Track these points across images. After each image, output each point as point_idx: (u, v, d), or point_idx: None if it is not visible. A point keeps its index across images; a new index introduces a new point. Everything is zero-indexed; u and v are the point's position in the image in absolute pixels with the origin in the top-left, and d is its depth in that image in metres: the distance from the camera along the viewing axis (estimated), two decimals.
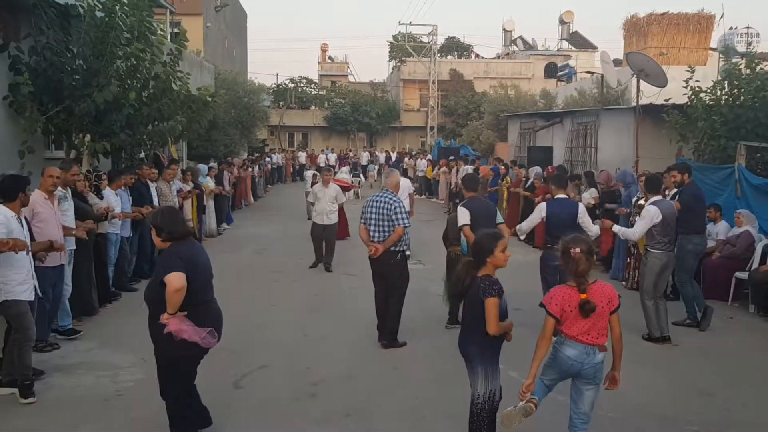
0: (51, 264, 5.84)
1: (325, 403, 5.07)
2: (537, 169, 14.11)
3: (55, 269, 6.05)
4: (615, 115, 13.96)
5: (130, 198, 8.85)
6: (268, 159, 26.85)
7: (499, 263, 3.93)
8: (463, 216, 6.59)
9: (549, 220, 6.76)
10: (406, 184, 14.61)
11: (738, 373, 6.06)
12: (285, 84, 42.03)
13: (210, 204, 13.31)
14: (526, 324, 5.50)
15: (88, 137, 9.55)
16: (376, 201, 6.56)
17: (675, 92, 11.50)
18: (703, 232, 7.74)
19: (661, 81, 12.16)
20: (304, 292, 8.89)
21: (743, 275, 8.41)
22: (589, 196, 11.20)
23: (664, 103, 11.33)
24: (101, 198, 7.99)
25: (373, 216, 6.48)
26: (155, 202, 9.59)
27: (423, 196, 22.72)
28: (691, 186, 7.62)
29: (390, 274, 6.51)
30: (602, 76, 14.49)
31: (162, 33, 10.94)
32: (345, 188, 14.16)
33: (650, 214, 6.60)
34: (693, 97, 10.71)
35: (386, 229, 6.42)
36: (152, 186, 9.72)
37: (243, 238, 13.97)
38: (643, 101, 12.57)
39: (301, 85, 42.35)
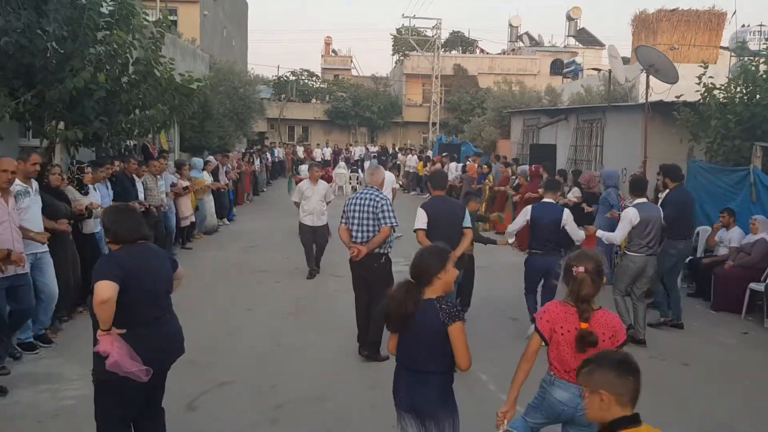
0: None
1: (285, 431, 4.49)
2: (524, 167, 13.69)
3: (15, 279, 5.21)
4: (622, 112, 13.33)
5: (111, 192, 8.16)
6: (270, 153, 26.27)
7: (450, 281, 3.21)
8: (419, 218, 6.05)
9: (532, 223, 6.68)
10: (390, 179, 13.98)
11: (760, 399, 5.46)
12: (286, 77, 41.42)
13: (209, 200, 12.61)
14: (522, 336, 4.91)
15: (61, 125, 8.98)
16: (360, 198, 6.00)
17: (685, 90, 10.90)
18: (690, 238, 7.78)
19: (671, 77, 11.52)
20: (286, 295, 8.33)
21: (758, 286, 7.79)
22: (572, 195, 10.82)
23: (675, 100, 10.70)
24: (85, 193, 7.39)
25: (357, 215, 5.93)
26: (141, 197, 9.03)
27: (414, 193, 22.27)
28: (678, 190, 7.46)
29: (373, 280, 5.93)
30: (609, 71, 13.85)
31: (146, 15, 10.30)
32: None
33: (628, 216, 6.54)
34: (706, 94, 10.09)
35: (371, 229, 5.88)
36: (138, 181, 9.13)
37: (234, 234, 13.43)
38: (653, 98, 11.94)
39: (303, 77, 41.74)
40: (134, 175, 9.18)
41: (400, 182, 18.27)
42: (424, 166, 23.40)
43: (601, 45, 41.30)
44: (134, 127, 9.79)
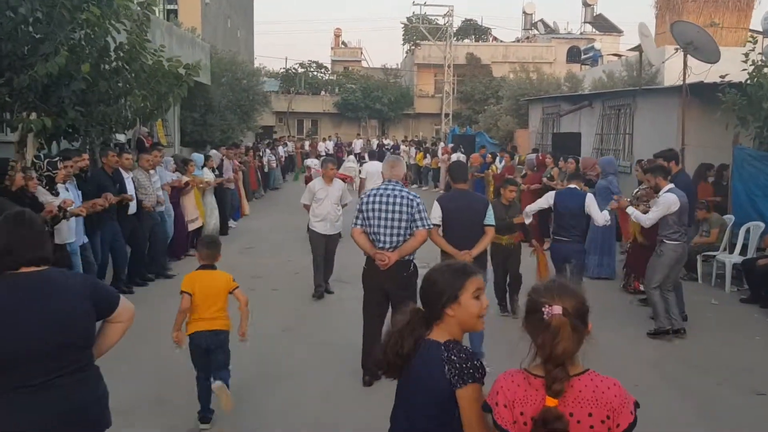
0: None
1: None
2: (531, 156, 12.90)
3: None
4: (655, 96, 12.16)
5: (79, 193, 7.08)
6: (283, 147, 25.23)
7: (470, 318, 2.21)
8: (434, 213, 5.47)
9: (555, 209, 6.66)
10: (379, 169, 13.11)
11: None
12: (294, 69, 40.42)
13: (210, 200, 11.39)
14: None
15: (33, 116, 8.04)
16: (386, 196, 4.98)
17: (719, 75, 9.86)
18: (691, 225, 7.57)
19: (712, 55, 10.39)
20: (282, 306, 7.32)
21: None
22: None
23: (721, 80, 9.54)
24: (56, 194, 6.40)
25: (383, 215, 4.94)
26: (131, 194, 8.08)
27: (414, 186, 21.50)
28: (683, 174, 7.25)
29: (396, 292, 4.92)
30: (640, 52, 12.69)
31: None
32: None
33: (668, 201, 6.19)
34: (755, 73, 8.96)
35: (401, 232, 4.93)
36: (127, 176, 8.12)
37: (233, 233, 12.46)
38: (688, 80, 10.79)
39: (311, 69, 40.72)
40: (122, 170, 8.17)
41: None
42: (423, 157, 22.49)
43: (618, 31, 40.04)
44: (114, 117, 8.81)
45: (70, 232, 6.53)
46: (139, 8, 9.34)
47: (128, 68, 8.91)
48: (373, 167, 12.81)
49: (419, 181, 22.53)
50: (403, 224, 4.94)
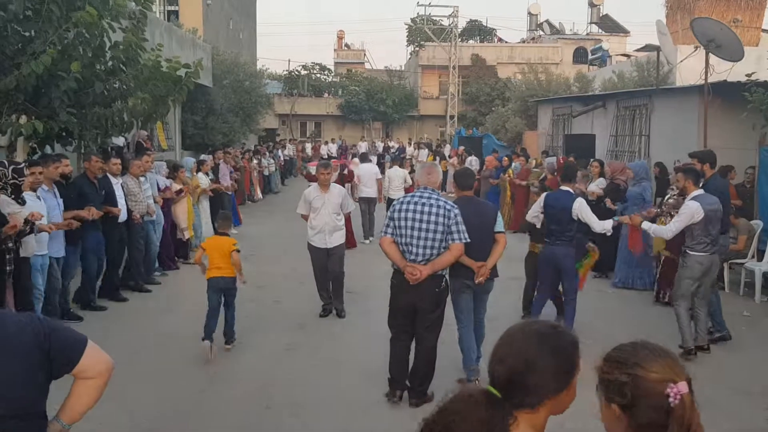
0: None
1: None
2: (550, 159, 12.24)
3: None
4: (673, 96, 11.69)
5: (60, 201, 6.52)
6: (284, 151, 24.79)
7: (566, 405, 1.61)
8: None
9: (545, 212, 6.23)
10: (372, 170, 12.41)
11: None
12: (297, 71, 40.01)
13: (204, 206, 10.96)
14: None
15: (24, 119, 7.62)
16: (420, 205, 4.58)
17: (738, 74, 9.42)
18: (727, 232, 7.25)
19: (736, 54, 9.89)
20: (286, 320, 6.86)
21: None
22: (596, 186, 9.50)
23: (747, 79, 9.07)
24: (22, 203, 5.88)
25: (416, 224, 4.55)
26: (120, 202, 7.61)
27: None
28: (717, 179, 6.71)
29: (425, 309, 4.62)
30: (658, 50, 12.22)
31: None
32: (349, 178, 12.10)
33: (690, 210, 5.74)
34: None
35: (435, 245, 4.54)
36: (116, 182, 7.67)
37: (248, 239, 12.01)
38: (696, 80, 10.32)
39: (314, 71, 40.30)
40: (111, 176, 7.74)
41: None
42: (434, 159, 22.08)
43: (625, 32, 39.56)
44: (110, 120, 8.37)
45: (41, 245, 5.96)
46: (135, 5, 8.95)
47: (125, 69, 8.52)
48: (365, 170, 12.42)
49: None
50: (438, 236, 4.54)
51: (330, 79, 41.39)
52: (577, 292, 6.31)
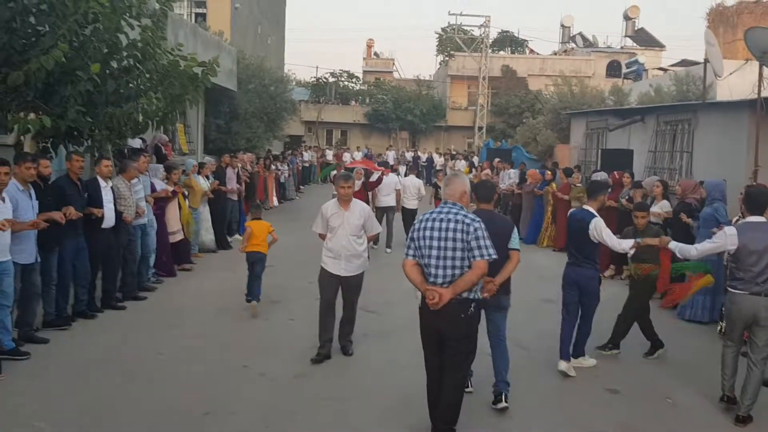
0: None
1: None
2: (602, 174, 11.47)
3: None
4: (720, 111, 10.95)
5: (35, 203, 5.96)
6: (300, 157, 24.39)
7: None
8: None
9: (568, 229, 6.12)
10: (392, 179, 11.95)
11: None
12: (325, 78, 39.74)
13: (204, 211, 10.61)
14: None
15: (32, 116, 7.23)
16: (439, 221, 4.12)
17: None
18: None
19: None
20: (300, 341, 6.30)
21: None
22: (660, 209, 8.84)
23: None
24: None
25: (435, 243, 4.07)
26: (108, 206, 7.14)
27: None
28: None
29: (450, 337, 4.10)
30: (705, 61, 11.51)
31: None
32: (373, 186, 11.61)
33: (723, 237, 5.04)
34: None
35: (456, 264, 4.08)
36: (105, 185, 7.21)
37: None
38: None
39: (342, 79, 40.01)
40: (100, 179, 7.24)
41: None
42: (470, 171, 21.47)
43: (661, 46, 38.66)
44: (123, 120, 7.95)
45: (2, 250, 5.36)
46: (157, 4, 8.58)
47: (140, 67, 8.14)
48: (388, 178, 11.99)
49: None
50: (458, 254, 4.04)
51: (358, 87, 41.06)
52: (593, 316, 5.96)
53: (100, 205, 6.95)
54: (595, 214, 5.87)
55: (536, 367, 5.93)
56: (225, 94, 17.27)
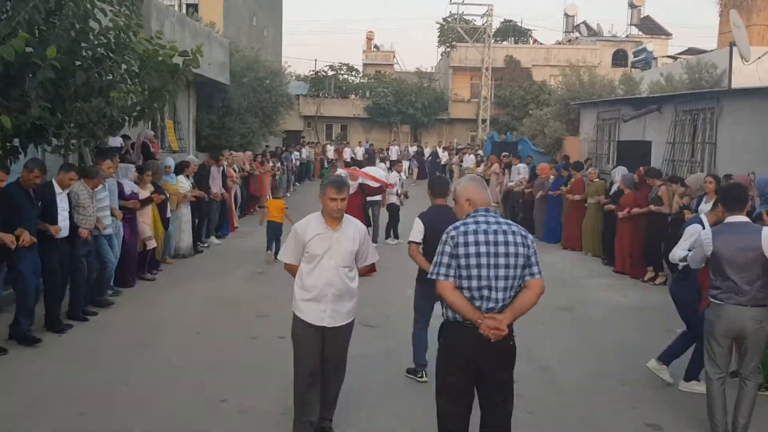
0: None
1: None
2: (622, 170, 10.55)
3: None
4: (747, 99, 10.12)
5: None
6: (296, 153, 23.52)
7: None
8: (416, 229, 5.14)
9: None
10: (378, 174, 10.97)
11: None
12: (324, 71, 38.88)
13: (184, 213, 9.83)
14: None
15: None
16: (492, 232, 3.40)
17: None
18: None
19: None
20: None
21: None
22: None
23: None
24: None
25: (494, 261, 3.35)
26: (63, 215, 6.26)
27: None
28: None
29: (494, 370, 3.42)
30: (731, 45, 10.68)
31: None
32: (372, 191, 10.67)
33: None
34: None
35: (515, 284, 3.41)
36: (60, 192, 6.30)
37: (242, 253, 10.79)
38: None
39: (342, 72, 39.14)
40: (55, 185, 6.35)
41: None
42: (477, 165, 20.71)
43: (667, 34, 37.83)
44: (95, 116, 7.16)
45: None
46: None
47: (113, 57, 7.34)
48: (371, 172, 11.07)
49: None
50: (518, 272, 3.39)
51: (357, 81, 40.20)
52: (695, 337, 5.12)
53: (54, 215, 6.12)
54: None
55: (564, 394, 5.16)
56: (217, 88, 16.47)
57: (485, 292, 3.32)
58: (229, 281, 8.86)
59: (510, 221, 3.57)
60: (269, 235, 10.03)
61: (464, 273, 3.33)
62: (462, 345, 3.36)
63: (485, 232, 3.37)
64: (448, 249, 3.38)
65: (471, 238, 3.35)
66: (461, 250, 3.34)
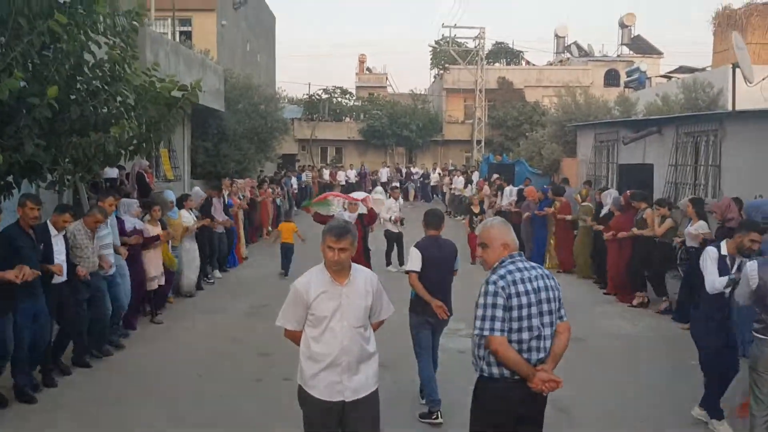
0: None
1: None
2: (613, 192, 10.62)
3: None
4: (750, 121, 10.03)
5: None
6: (295, 179, 23.34)
7: None
8: (413, 259, 5.38)
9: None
10: (360, 196, 10.82)
11: None
12: (318, 95, 38.90)
13: (188, 249, 9.42)
14: None
15: None
16: (534, 278, 3.29)
17: None
18: None
19: None
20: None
21: None
22: (696, 231, 7.89)
23: None
24: None
25: (539, 309, 3.25)
26: (60, 258, 5.95)
27: (460, 218, 19.13)
28: None
29: (535, 421, 3.35)
30: (734, 65, 10.63)
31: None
32: (371, 220, 10.49)
33: (745, 270, 4.36)
34: None
35: (555, 330, 3.32)
36: (55, 234, 6.02)
37: (242, 284, 10.56)
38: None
39: (335, 95, 39.18)
40: (51, 226, 6.06)
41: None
42: (465, 186, 20.75)
43: (658, 53, 38.08)
44: (90, 151, 6.95)
45: None
46: (125, 19, 7.60)
47: (108, 90, 7.17)
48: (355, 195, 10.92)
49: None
50: (556, 317, 3.36)
51: (351, 103, 40.25)
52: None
53: (50, 258, 5.87)
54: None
55: None
56: (212, 115, 16.35)
57: (535, 343, 3.19)
58: (230, 317, 8.62)
59: (535, 264, 3.43)
60: (283, 257, 11.11)
61: (515, 326, 3.17)
62: (507, 403, 3.19)
63: (529, 280, 3.24)
64: (500, 301, 3.16)
65: (521, 288, 3.20)
66: (515, 302, 3.18)
